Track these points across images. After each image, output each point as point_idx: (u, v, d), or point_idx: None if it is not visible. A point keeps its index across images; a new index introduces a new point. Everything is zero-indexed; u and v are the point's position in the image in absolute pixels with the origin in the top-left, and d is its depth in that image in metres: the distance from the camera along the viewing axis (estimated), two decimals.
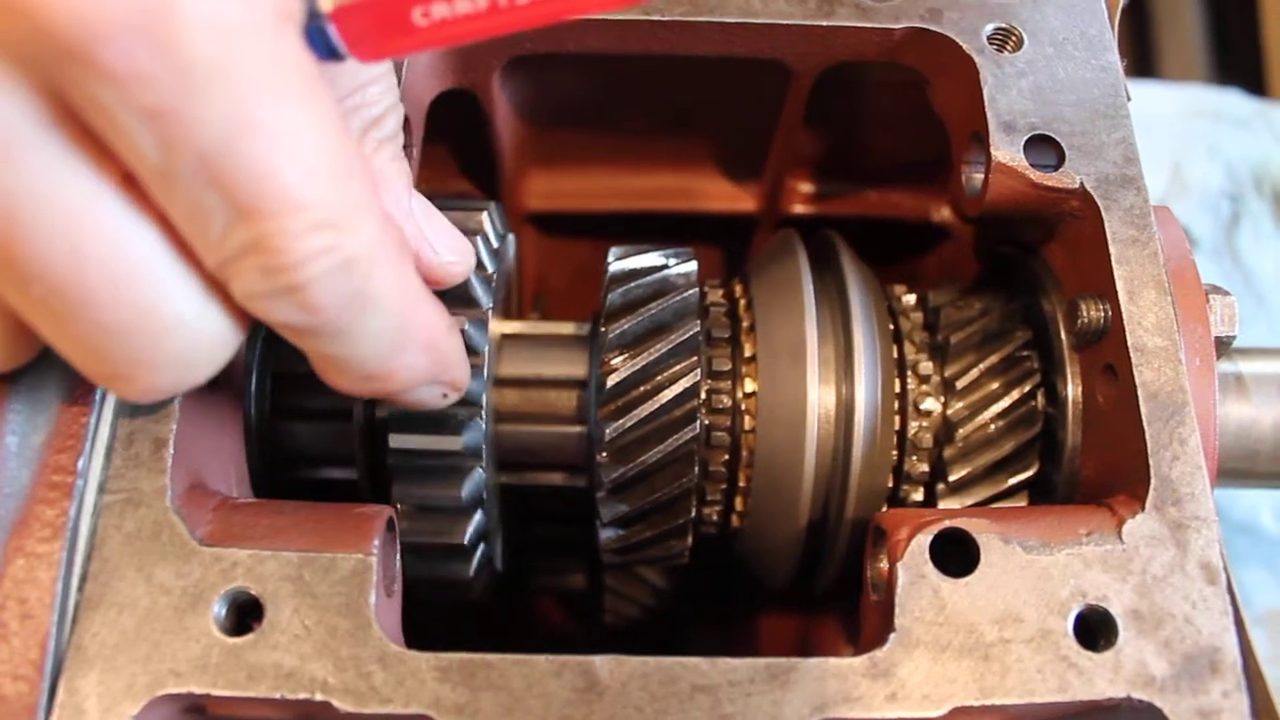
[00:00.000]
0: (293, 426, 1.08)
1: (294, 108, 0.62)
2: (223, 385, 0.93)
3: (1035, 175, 0.95)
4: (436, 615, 0.98)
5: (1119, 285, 0.91)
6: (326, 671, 0.75)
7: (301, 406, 1.07)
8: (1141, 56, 2.82)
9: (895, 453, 1.06)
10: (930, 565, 0.80)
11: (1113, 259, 0.91)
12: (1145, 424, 0.85)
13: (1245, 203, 2.09)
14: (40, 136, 0.61)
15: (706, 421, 1.05)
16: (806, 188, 1.37)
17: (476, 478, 1.00)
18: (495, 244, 1.06)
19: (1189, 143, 2.14)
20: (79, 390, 0.81)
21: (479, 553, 1.04)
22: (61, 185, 0.62)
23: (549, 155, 1.33)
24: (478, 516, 1.01)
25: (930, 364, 1.07)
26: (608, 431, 1.01)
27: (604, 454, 1.01)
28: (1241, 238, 2.05)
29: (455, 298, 0.99)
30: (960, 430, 1.05)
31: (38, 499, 0.78)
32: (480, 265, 1.02)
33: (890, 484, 1.07)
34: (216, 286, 0.68)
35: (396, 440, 0.98)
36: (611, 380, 1.01)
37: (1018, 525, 0.82)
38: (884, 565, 0.84)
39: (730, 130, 1.30)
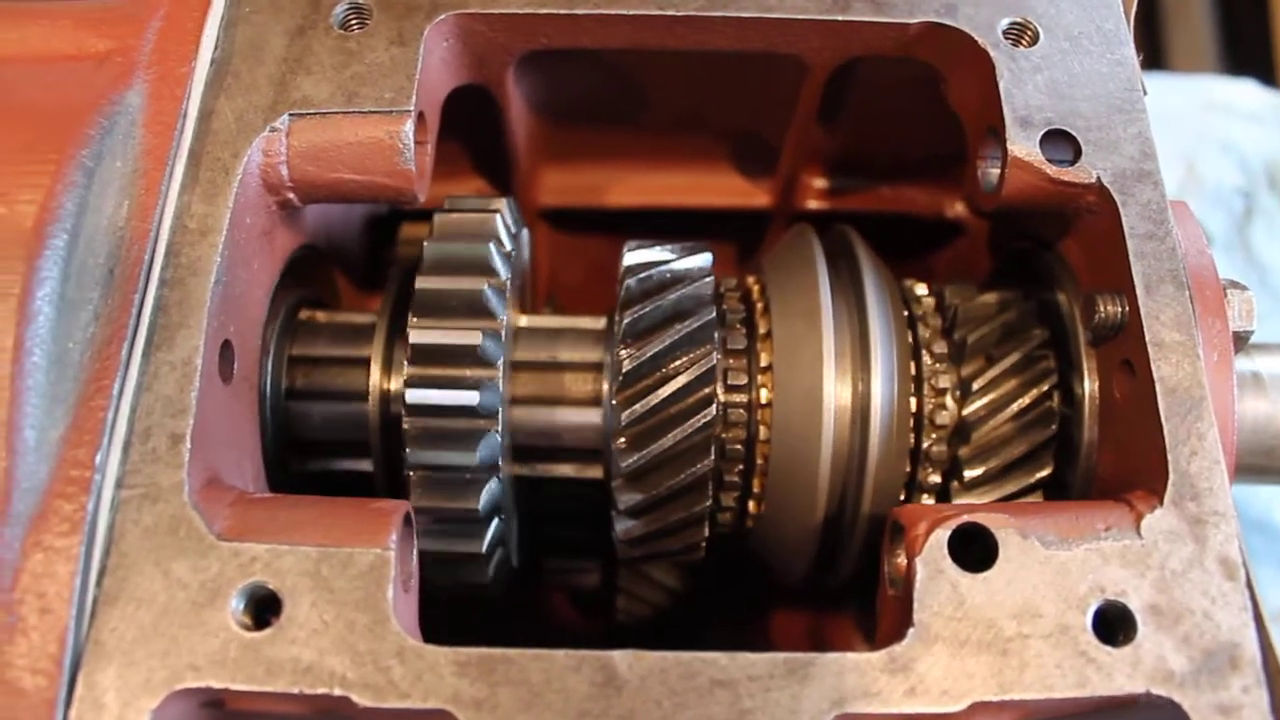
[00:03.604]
0: (308, 408, 1.08)
1: None
2: (239, 380, 0.93)
3: (1052, 170, 0.95)
4: (450, 607, 0.99)
5: (1136, 280, 0.90)
6: (345, 666, 0.75)
7: (317, 387, 1.08)
8: (1151, 48, 2.80)
9: (911, 445, 1.06)
10: (949, 560, 0.80)
11: (1130, 254, 0.91)
12: (1163, 419, 0.85)
13: (1258, 198, 2.08)
14: None
15: (723, 410, 1.05)
16: (820, 183, 1.37)
17: (493, 489, 1.00)
18: (508, 246, 1.05)
19: (1202, 137, 2.13)
20: (97, 384, 0.82)
21: (493, 525, 1.04)
22: None
23: (563, 151, 1.32)
24: (495, 525, 1.01)
25: (946, 363, 1.07)
26: (624, 416, 1.01)
27: (621, 440, 1.01)
28: (1255, 233, 2.05)
29: (469, 308, 0.99)
30: (976, 431, 1.04)
31: (56, 494, 0.78)
32: (493, 272, 1.02)
33: (906, 479, 1.07)
34: None
35: (414, 456, 0.98)
36: (628, 365, 1.01)
37: (1036, 520, 0.82)
38: (902, 560, 0.84)
39: (744, 126, 1.30)
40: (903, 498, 1.08)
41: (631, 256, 1.08)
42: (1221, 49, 2.84)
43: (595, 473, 1.11)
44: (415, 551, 0.86)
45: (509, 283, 1.02)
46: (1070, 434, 1.03)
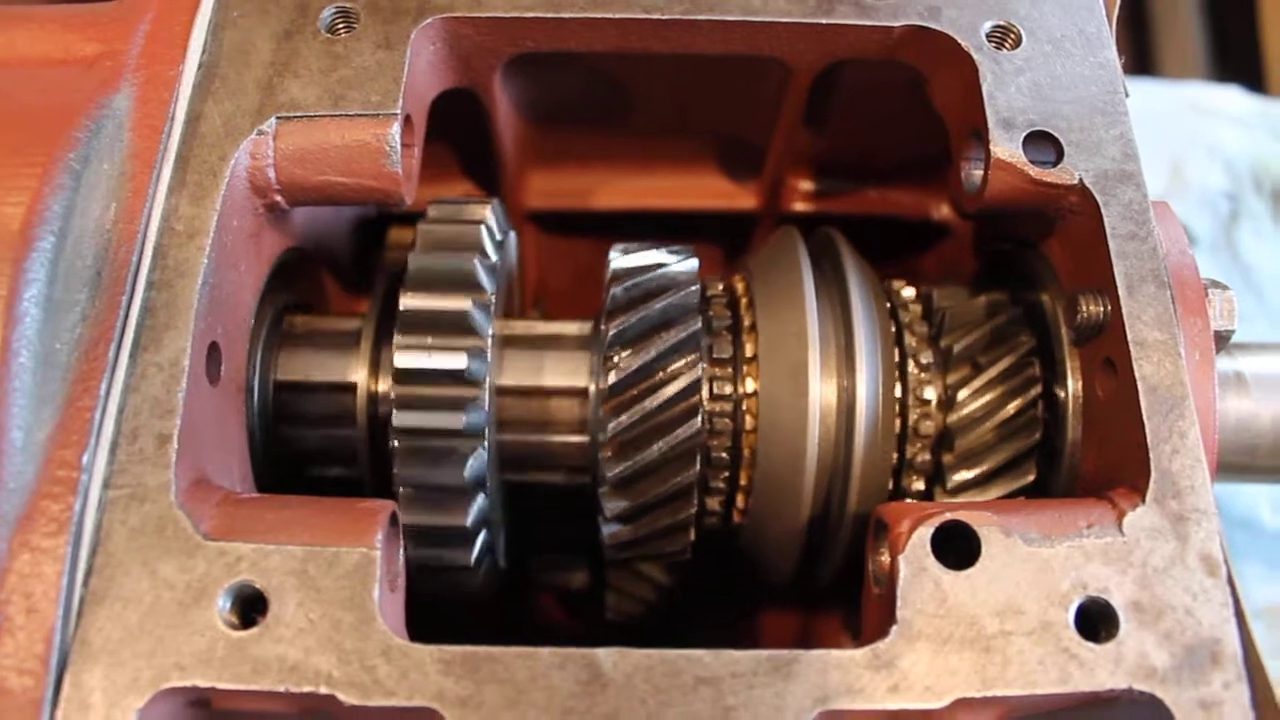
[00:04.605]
0: (295, 409, 1.08)
1: None
2: (226, 381, 0.93)
3: (1034, 171, 0.95)
4: (439, 617, 0.99)
5: (1118, 280, 0.91)
6: (331, 665, 0.75)
7: (304, 389, 1.08)
8: (1140, 54, 2.82)
9: (895, 450, 1.07)
10: (932, 558, 0.81)
11: (1112, 254, 0.92)
12: (1145, 418, 0.86)
13: (1244, 201, 2.09)
14: None
15: (709, 415, 1.06)
16: (806, 185, 1.37)
17: (479, 458, 1.00)
18: (494, 257, 1.05)
19: (1188, 141, 2.14)
20: (84, 385, 0.82)
21: (481, 538, 1.04)
22: None
23: (550, 154, 1.33)
24: (480, 499, 1.01)
25: (932, 370, 1.07)
26: (610, 427, 1.01)
27: (607, 450, 1.02)
28: (1241, 235, 2.06)
29: (456, 326, 0.99)
30: (960, 438, 1.05)
31: (43, 494, 0.79)
32: (478, 288, 1.01)
33: (890, 484, 1.08)
34: None
35: (400, 419, 0.98)
36: (613, 377, 1.01)
37: (1019, 518, 0.83)
38: (885, 558, 0.84)
39: (730, 128, 1.31)
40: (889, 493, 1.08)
41: (618, 262, 1.08)
42: (1210, 56, 2.85)
43: (583, 479, 1.11)
44: (401, 551, 0.87)
45: (494, 296, 1.02)
46: (1053, 438, 1.04)
